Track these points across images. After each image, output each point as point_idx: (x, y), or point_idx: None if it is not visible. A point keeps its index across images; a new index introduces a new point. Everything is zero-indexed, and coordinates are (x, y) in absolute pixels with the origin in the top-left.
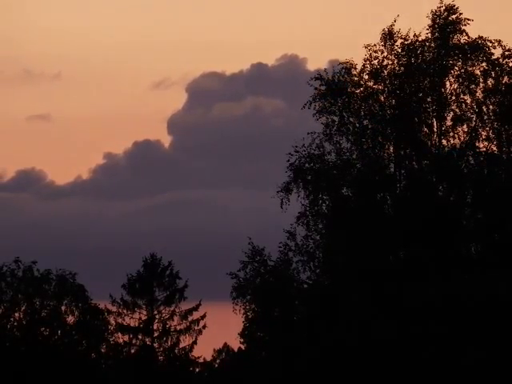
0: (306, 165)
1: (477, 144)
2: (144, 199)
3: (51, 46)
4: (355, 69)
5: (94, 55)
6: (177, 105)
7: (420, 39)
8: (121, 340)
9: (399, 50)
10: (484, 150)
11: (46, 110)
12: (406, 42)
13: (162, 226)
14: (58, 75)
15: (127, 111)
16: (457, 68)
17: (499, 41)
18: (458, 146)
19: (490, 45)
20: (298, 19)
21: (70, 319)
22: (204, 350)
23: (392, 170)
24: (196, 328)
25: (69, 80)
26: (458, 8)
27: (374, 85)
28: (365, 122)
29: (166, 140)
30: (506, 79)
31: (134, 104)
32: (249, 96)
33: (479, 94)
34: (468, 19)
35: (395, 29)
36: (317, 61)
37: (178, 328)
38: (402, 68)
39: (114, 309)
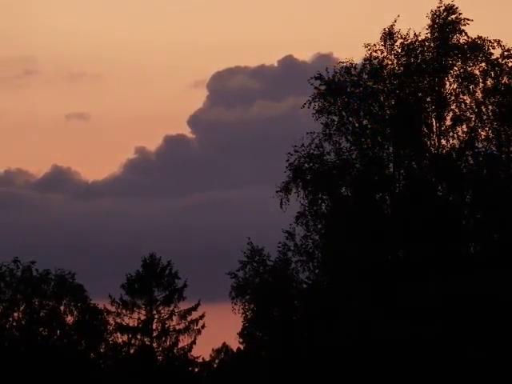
0: (306, 165)
1: (476, 144)
2: (177, 198)
3: (92, 47)
4: (355, 68)
5: (131, 55)
6: (210, 104)
7: (419, 39)
8: (120, 340)
9: (399, 50)
10: (483, 150)
11: (85, 109)
12: (405, 42)
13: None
14: (98, 75)
15: (163, 110)
16: (456, 68)
17: (498, 41)
18: (457, 146)
19: (490, 45)
20: (297, 19)
21: (69, 319)
22: (203, 349)
23: (391, 169)
24: (195, 328)
25: (108, 80)
26: (457, 8)
27: (373, 85)
28: (364, 122)
29: (199, 138)
30: (505, 79)
31: (171, 103)
32: (287, 96)
33: (478, 94)
34: (467, 19)
35: (395, 29)
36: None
37: (177, 328)
38: (402, 68)
39: (113, 309)
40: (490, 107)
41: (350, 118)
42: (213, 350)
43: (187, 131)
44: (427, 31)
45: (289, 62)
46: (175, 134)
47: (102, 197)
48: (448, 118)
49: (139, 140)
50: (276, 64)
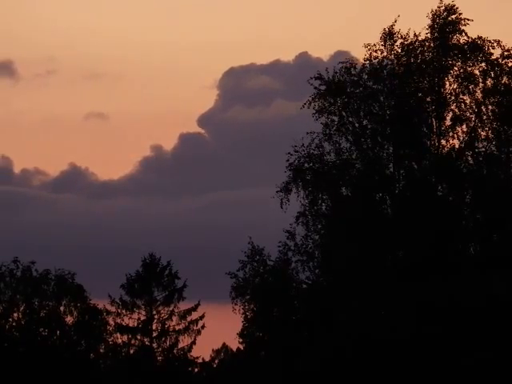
0: (306, 165)
1: (476, 144)
2: (191, 198)
3: (112, 48)
4: (355, 68)
5: (151, 55)
6: (227, 102)
7: (419, 39)
8: (119, 340)
9: (399, 50)
10: (483, 150)
11: (103, 109)
12: (405, 42)
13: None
14: (117, 75)
15: (181, 109)
16: (456, 68)
17: (498, 41)
18: (457, 146)
19: (490, 45)
20: (295, 19)
21: (69, 319)
22: (203, 350)
23: (391, 169)
24: (195, 328)
25: (128, 79)
26: (457, 8)
27: (373, 85)
28: (364, 122)
29: (216, 137)
30: (505, 79)
31: (189, 102)
32: (303, 94)
33: (478, 94)
34: (467, 19)
35: (395, 29)
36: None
37: (177, 328)
38: (402, 68)
39: (112, 309)
40: (489, 107)
41: (350, 118)
42: (213, 350)
43: (202, 130)
44: (427, 31)
45: (304, 59)
46: (191, 132)
47: (116, 196)
48: (448, 118)
49: (156, 139)
50: (292, 61)
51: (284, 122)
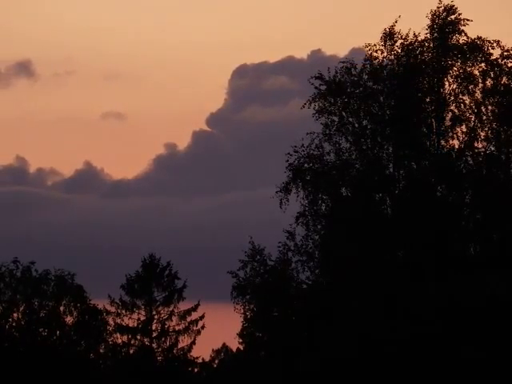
0: (306, 165)
1: (475, 144)
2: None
3: (130, 48)
4: (355, 69)
5: (168, 55)
6: (243, 101)
7: (419, 39)
8: (119, 340)
9: (399, 51)
10: (483, 150)
11: (121, 108)
12: (405, 43)
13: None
14: (135, 75)
15: (197, 109)
16: (456, 68)
17: (498, 41)
18: (456, 146)
19: (489, 45)
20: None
21: (69, 320)
22: (203, 350)
23: (391, 170)
24: (195, 328)
25: (146, 79)
26: (457, 8)
27: (373, 85)
28: (364, 123)
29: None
30: (504, 80)
31: (204, 102)
32: None
33: (478, 95)
34: (467, 19)
35: (395, 29)
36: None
37: (177, 328)
38: (402, 68)
39: (112, 309)
40: (489, 107)
41: (350, 119)
42: (212, 350)
43: (216, 129)
44: (427, 31)
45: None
46: (204, 130)
47: (128, 196)
48: (447, 118)
49: (171, 138)
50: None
51: (299, 121)
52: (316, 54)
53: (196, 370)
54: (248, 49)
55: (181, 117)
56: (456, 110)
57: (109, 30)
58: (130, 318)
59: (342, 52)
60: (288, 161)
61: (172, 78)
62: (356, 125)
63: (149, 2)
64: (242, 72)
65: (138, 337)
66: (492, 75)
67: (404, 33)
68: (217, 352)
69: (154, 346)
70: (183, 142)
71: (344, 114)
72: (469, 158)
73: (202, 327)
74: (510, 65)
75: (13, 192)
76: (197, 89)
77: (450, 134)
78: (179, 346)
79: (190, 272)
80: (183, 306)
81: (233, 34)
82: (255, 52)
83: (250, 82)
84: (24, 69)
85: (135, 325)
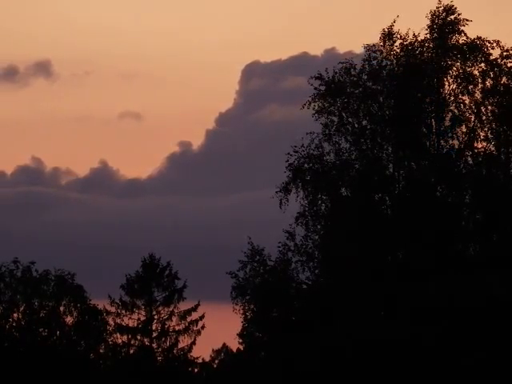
0: (305, 165)
1: (475, 144)
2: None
3: (148, 48)
4: (354, 69)
5: (186, 55)
6: (258, 99)
7: (419, 39)
8: (119, 340)
9: (398, 51)
10: (482, 150)
11: (138, 108)
12: (404, 43)
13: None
14: (153, 75)
15: (212, 108)
16: (455, 68)
17: (498, 41)
18: (456, 146)
19: (489, 45)
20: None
21: (69, 320)
22: (203, 350)
23: (391, 170)
24: (195, 328)
25: (164, 79)
26: (456, 8)
27: (373, 85)
28: (364, 123)
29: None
30: (504, 80)
31: (220, 102)
32: None
33: (478, 95)
34: (466, 20)
35: (394, 29)
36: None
37: (177, 328)
38: (401, 68)
39: (112, 309)
40: (489, 107)
41: (350, 119)
42: (213, 350)
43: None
44: (426, 32)
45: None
46: (219, 130)
47: (142, 195)
48: (447, 118)
49: (185, 137)
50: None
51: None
52: (330, 52)
53: (196, 370)
54: (261, 47)
55: (197, 117)
56: (456, 110)
57: (126, 30)
58: (130, 318)
59: (358, 49)
60: (288, 161)
61: (188, 77)
62: (356, 125)
63: (166, 3)
64: (256, 70)
65: (138, 337)
66: (492, 75)
67: (403, 33)
68: (217, 352)
69: (154, 346)
70: (197, 141)
71: (344, 114)
72: (469, 158)
73: (202, 327)
74: (509, 65)
75: (27, 192)
76: (212, 88)
77: (450, 134)
78: (179, 346)
79: (189, 272)
80: (183, 306)
81: (246, 32)
82: (269, 50)
83: (265, 81)
84: (43, 69)
85: (135, 325)
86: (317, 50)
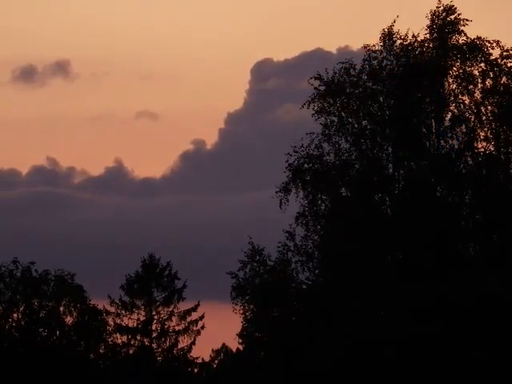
0: (305, 165)
1: (475, 145)
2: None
3: (166, 48)
4: (354, 69)
5: (205, 55)
6: (272, 98)
7: (419, 39)
8: (119, 340)
9: (398, 51)
10: (482, 150)
11: (155, 108)
12: (404, 43)
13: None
14: (171, 75)
15: (226, 108)
16: (455, 68)
17: (498, 41)
18: (456, 146)
19: (489, 45)
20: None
21: (69, 320)
22: (202, 350)
23: (391, 170)
24: (194, 328)
25: (181, 79)
26: (456, 8)
27: (372, 85)
28: (364, 123)
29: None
30: (504, 80)
31: (234, 101)
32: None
33: (478, 95)
34: (466, 20)
35: (394, 29)
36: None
37: (177, 328)
38: (401, 68)
39: (112, 309)
40: (489, 108)
41: (350, 119)
42: (212, 350)
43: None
44: (426, 32)
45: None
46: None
47: (156, 195)
48: (447, 118)
49: (199, 136)
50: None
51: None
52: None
53: (196, 370)
54: (275, 45)
55: (212, 116)
56: (456, 110)
57: (144, 31)
58: (130, 318)
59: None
60: (288, 161)
61: (203, 76)
62: (355, 125)
63: (182, 3)
64: (269, 69)
65: (138, 337)
66: (492, 75)
67: (403, 33)
68: (217, 352)
69: (154, 346)
70: (211, 140)
71: (343, 114)
72: (468, 158)
73: (202, 327)
74: (509, 65)
75: (42, 192)
76: (224, 87)
77: (450, 135)
78: (179, 347)
79: (189, 272)
80: (183, 306)
81: (260, 30)
82: (282, 49)
83: (278, 80)
84: (61, 68)
85: (135, 325)
86: (331, 46)
